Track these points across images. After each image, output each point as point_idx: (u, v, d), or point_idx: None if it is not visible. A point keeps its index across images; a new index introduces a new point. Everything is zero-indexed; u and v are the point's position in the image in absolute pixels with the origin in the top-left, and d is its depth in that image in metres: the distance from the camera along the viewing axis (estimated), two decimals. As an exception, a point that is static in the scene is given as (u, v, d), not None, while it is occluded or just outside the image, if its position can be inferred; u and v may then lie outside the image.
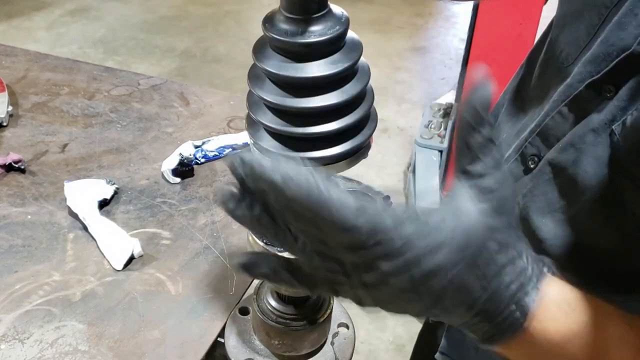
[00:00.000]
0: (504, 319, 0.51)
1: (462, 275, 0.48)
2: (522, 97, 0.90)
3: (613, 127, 0.64)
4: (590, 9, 0.71)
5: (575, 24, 0.75)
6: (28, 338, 0.91)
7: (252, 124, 0.66)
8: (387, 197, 0.94)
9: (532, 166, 0.76)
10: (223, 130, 1.43)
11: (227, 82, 4.00)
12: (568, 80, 0.70)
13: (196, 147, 1.32)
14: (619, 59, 0.63)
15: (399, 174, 3.27)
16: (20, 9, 4.77)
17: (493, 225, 0.49)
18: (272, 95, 0.61)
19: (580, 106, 0.68)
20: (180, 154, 1.27)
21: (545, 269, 0.54)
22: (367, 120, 0.66)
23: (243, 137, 1.37)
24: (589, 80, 0.67)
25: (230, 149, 1.35)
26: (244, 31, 4.68)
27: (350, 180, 0.95)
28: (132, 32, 4.60)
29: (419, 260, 0.46)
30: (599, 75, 0.65)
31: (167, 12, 4.93)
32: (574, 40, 0.74)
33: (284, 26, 0.58)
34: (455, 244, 0.47)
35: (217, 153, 1.33)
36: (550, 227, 0.74)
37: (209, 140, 1.35)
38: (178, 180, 1.26)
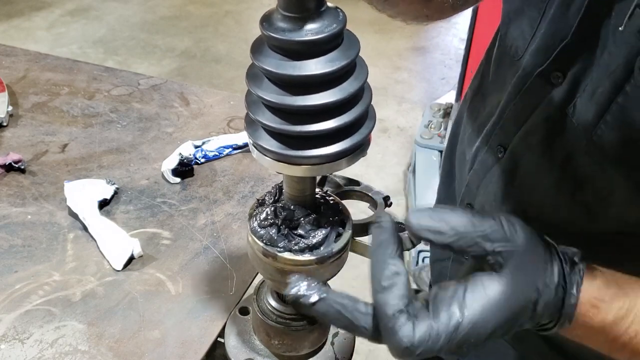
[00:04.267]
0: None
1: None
2: (482, 93, 0.94)
3: (566, 110, 0.69)
4: (528, 5, 0.77)
5: (518, 20, 0.80)
6: (28, 338, 0.91)
7: (250, 124, 0.66)
8: (387, 197, 0.94)
9: (500, 155, 0.81)
10: (223, 130, 1.43)
11: (227, 82, 4.00)
12: (519, 72, 0.76)
13: (196, 147, 1.32)
14: (559, 48, 0.68)
15: (399, 174, 3.27)
16: (20, 9, 4.77)
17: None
18: (270, 93, 0.60)
19: (534, 95, 0.74)
20: (180, 154, 1.27)
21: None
22: (366, 118, 0.65)
23: (243, 137, 1.36)
24: (538, 70, 0.72)
25: (230, 149, 1.35)
26: (244, 31, 4.68)
27: (350, 180, 0.95)
28: (132, 32, 4.60)
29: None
30: (545, 65, 0.71)
31: (167, 12, 4.93)
32: (521, 35, 0.80)
33: (282, 24, 0.58)
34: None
35: (217, 153, 1.33)
36: (522, 210, 0.77)
37: (209, 140, 1.35)
38: (178, 180, 1.26)
